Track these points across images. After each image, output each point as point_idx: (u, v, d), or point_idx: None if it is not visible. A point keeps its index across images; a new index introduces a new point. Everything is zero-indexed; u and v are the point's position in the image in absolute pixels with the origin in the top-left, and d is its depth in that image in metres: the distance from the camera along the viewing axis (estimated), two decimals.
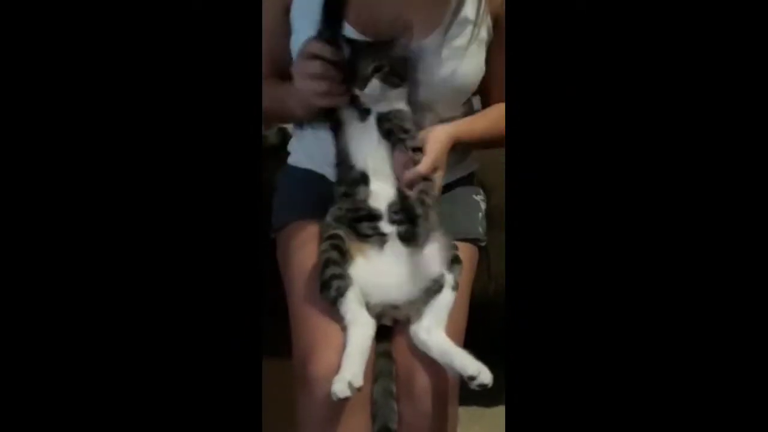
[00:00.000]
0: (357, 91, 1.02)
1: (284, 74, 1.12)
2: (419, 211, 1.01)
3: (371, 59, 1.02)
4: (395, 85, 1.03)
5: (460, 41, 1.10)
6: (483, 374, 0.91)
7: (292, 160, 1.28)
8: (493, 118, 1.16)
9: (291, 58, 1.10)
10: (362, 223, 1.03)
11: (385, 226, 1.03)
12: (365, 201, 1.04)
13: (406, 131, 1.04)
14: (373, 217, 1.03)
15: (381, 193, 1.04)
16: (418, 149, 1.03)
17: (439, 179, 1.04)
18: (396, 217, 1.03)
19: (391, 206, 1.04)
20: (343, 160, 1.07)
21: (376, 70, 1.02)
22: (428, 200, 1.02)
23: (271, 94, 1.04)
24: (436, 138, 1.04)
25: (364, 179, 1.04)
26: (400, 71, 1.04)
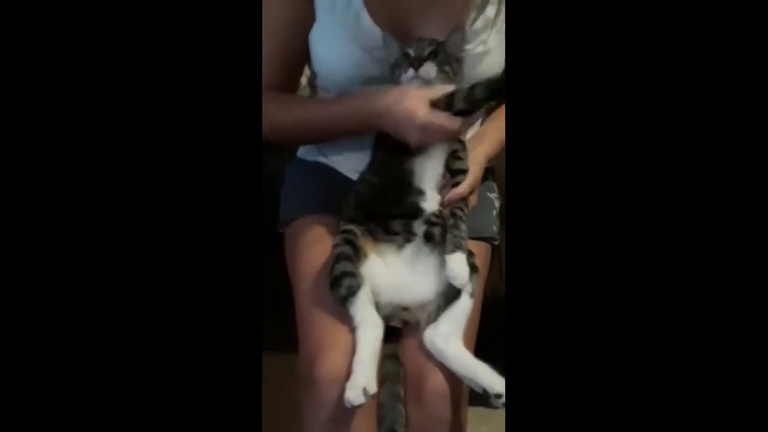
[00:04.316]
0: (410, 74, 0.99)
1: (295, 64, 1.13)
2: (451, 221, 1.00)
3: (427, 44, 1.01)
4: (447, 76, 1.01)
5: (483, 38, 1.07)
6: None
7: (301, 153, 1.26)
8: None
9: (307, 48, 1.09)
10: (396, 221, 1.01)
11: (418, 226, 1.01)
12: (416, 202, 1.01)
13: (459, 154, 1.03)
14: (412, 215, 1.01)
15: (431, 198, 1.02)
16: (461, 171, 1.02)
17: (474, 198, 1.06)
18: (433, 219, 1.01)
19: (433, 212, 1.01)
20: (391, 163, 1.03)
21: (433, 53, 1.00)
22: (461, 214, 1.01)
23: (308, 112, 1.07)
24: (476, 161, 1.05)
25: (414, 184, 1.02)
26: (455, 64, 1.02)
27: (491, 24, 1.07)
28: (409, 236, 1.00)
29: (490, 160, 1.09)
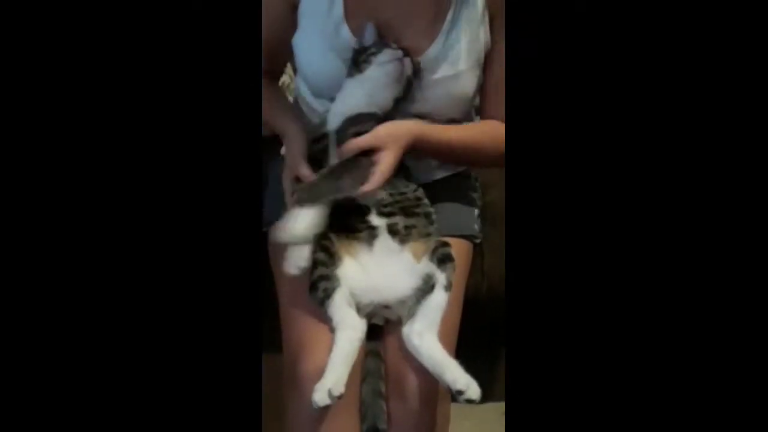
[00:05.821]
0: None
1: (279, 67, 1.18)
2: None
3: None
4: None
5: (455, 54, 1.08)
6: (472, 389, 0.90)
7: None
8: (473, 131, 1.11)
9: (290, 53, 1.12)
10: (352, 218, 1.02)
11: (375, 219, 1.02)
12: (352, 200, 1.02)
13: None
14: (361, 211, 1.02)
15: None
16: (369, 153, 0.99)
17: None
18: (385, 210, 1.02)
19: (379, 200, 1.02)
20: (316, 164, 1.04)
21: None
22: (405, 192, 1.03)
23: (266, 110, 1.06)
24: (392, 138, 0.99)
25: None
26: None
27: (465, 44, 1.08)
28: (372, 232, 1.01)
29: (418, 144, 1.02)
